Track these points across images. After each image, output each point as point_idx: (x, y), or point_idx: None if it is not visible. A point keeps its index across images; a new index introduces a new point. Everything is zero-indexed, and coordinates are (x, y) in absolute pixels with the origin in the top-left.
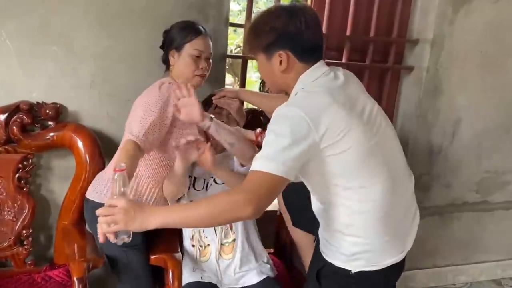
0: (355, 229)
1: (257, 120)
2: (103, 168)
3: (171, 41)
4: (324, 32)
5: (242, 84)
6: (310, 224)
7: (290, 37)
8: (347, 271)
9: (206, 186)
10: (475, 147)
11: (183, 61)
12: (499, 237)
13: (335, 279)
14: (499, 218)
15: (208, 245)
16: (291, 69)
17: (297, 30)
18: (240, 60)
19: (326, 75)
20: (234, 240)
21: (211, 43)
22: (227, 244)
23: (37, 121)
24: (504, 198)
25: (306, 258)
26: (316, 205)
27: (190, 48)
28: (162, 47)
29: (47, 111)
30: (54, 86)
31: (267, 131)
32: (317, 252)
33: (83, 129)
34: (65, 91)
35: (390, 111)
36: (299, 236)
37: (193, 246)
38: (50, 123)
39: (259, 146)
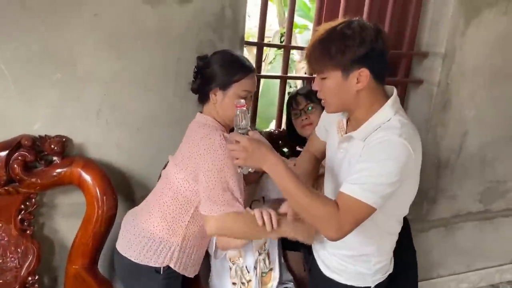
0: (385, 250)
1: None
2: (116, 205)
3: (213, 77)
4: None
5: (255, 102)
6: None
7: (376, 55)
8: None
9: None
10: (480, 158)
11: (229, 101)
12: (498, 243)
13: None
14: (498, 225)
15: (250, 280)
16: (366, 88)
17: (382, 48)
18: None
19: (400, 107)
20: (271, 269)
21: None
22: (264, 275)
23: (40, 156)
24: (504, 206)
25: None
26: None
27: (239, 88)
28: (196, 77)
29: (52, 145)
30: (57, 116)
31: (368, 155)
32: (320, 277)
33: (93, 165)
34: (70, 122)
35: None
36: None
37: (234, 284)
38: (55, 158)
39: None
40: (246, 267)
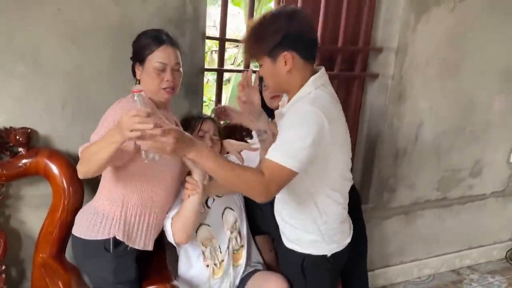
0: (330, 217)
1: (237, 135)
2: (82, 194)
3: (133, 53)
4: None
5: (219, 98)
6: (266, 226)
7: (294, 37)
8: (324, 256)
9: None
10: (436, 148)
11: (146, 75)
12: (457, 230)
13: (316, 267)
14: (456, 212)
15: (223, 260)
16: (295, 69)
17: (299, 30)
18: None
19: (328, 83)
20: (242, 246)
21: (178, 52)
22: (236, 252)
23: (5, 148)
24: (460, 194)
25: (270, 261)
26: (288, 205)
27: (152, 60)
28: (132, 58)
29: (17, 136)
30: (22, 109)
31: (285, 124)
32: (284, 250)
33: (58, 155)
34: (35, 114)
35: (356, 117)
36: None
37: (207, 266)
38: (20, 149)
39: None
40: (219, 247)
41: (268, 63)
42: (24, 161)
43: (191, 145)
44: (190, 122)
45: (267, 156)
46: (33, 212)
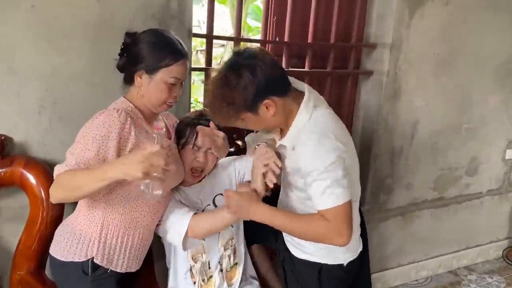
0: None
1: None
2: (63, 205)
3: (140, 59)
4: (286, 40)
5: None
6: (263, 237)
7: (265, 84)
8: (341, 265)
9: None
10: (432, 147)
11: (155, 87)
12: (453, 230)
13: (333, 276)
14: (453, 211)
15: (211, 276)
16: (279, 109)
17: (267, 75)
18: None
19: (318, 99)
20: (236, 263)
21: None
22: (229, 269)
23: None
24: (457, 193)
25: (265, 271)
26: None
27: (167, 74)
28: (122, 54)
29: None
30: None
31: (311, 165)
32: (295, 262)
33: (35, 163)
34: (9, 119)
35: (350, 116)
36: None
37: (194, 283)
38: None
39: None
40: (208, 262)
41: (250, 116)
42: None
43: (250, 208)
44: (185, 131)
45: (321, 207)
46: (9, 225)
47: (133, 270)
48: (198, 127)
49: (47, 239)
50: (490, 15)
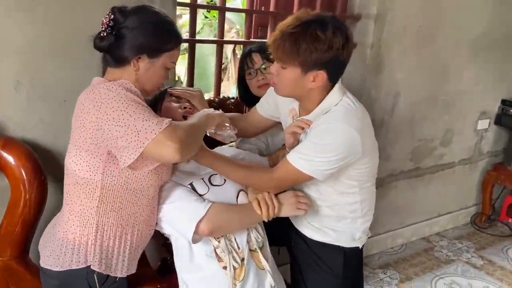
0: (365, 209)
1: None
2: (46, 186)
3: (139, 40)
4: (272, 10)
5: (191, 70)
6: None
7: (338, 62)
8: (357, 248)
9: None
10: (410, 119)
11: (154, 72)
12: (427, 199)
13: (354, 260)
14: (428, 181)
15: (243, 259)
16: (320, 87)
17: (345, 58)
18: None
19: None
20: (263, 245)
21: None
22: (255, 251)
23: None
24: (432, 163)
25: None
26: (327, 192)
27: (169, 59)
28: (109, 32)
29: None
30: None
31: (317, 136)
32: (306, 246)
33: (15, 144)
34: None
35: None
36: None
37: (223, 268)
38: None
39: None
40: (235, 239)
41: (296, 73)
42: None
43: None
44: (156, 103)
45: (289, 159)
46: None
47: (133, 271)
48: (168, 90)
49: (31, 222)
50: None
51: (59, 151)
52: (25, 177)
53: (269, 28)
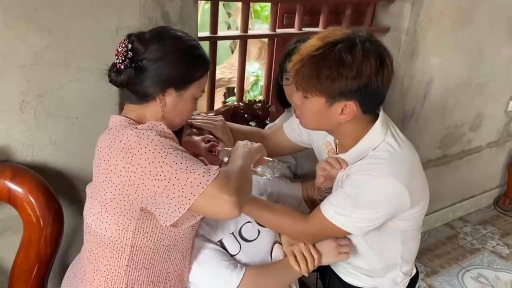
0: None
1: (240, 117)
2: (61, 219)
3: (164, 72)
4: None
5: (213, 72)
6: None
7: (371, 91)
8: None
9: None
10: (441, 106)
11: (184, 105)
12: (452, 185)
13: None
14: (454, 168)
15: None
16: (352, 120)
17: (381, 84)
18: None
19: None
20: None
21: None
22: None
23: None
24: (460, 149)
25: None
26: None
27: (198, 89)
28: (126, 65)
29: None
30: None
31: (355, 188)
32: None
33: (24, 173)
34: None
35: None
36: None
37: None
38: None
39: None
40: None
41: (320, 104)
42: None
43: None
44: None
45: (324, 212)
46: None
47: None
48: (188, 121)
49: (49, 259)
50: None
51: (72, 173)
52: (39, 213)
53: (296, 15)
